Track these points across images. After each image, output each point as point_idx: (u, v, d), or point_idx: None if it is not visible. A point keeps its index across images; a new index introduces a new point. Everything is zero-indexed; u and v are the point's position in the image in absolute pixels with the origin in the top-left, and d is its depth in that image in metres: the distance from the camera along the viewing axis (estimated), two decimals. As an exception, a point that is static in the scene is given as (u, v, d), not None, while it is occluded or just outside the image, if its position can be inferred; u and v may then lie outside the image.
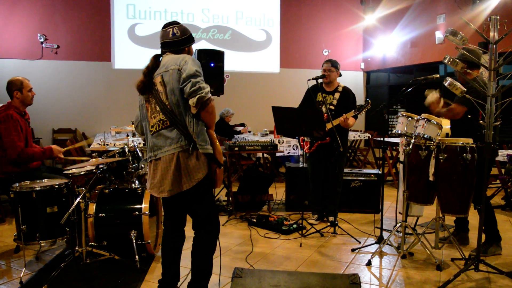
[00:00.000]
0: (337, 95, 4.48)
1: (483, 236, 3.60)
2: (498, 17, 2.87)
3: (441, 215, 3.61)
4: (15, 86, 3.80)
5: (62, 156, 4.01)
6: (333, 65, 4.50)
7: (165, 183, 2.47)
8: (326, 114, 4.20)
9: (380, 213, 3.98)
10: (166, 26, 2.60)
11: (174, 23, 2.60)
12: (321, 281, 2.73)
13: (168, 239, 2.69)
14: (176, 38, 2.56)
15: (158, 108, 2.48)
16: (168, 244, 2.68)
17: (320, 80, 4.30)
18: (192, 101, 2.38)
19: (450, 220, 4.62)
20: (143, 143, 5.62)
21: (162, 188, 2.49)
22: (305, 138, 4.58)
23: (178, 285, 2.73)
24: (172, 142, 2.45)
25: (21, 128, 3.75)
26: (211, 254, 2.63)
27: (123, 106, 8.14)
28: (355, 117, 4.33)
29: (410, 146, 3.51)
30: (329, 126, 4.14)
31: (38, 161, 3.90)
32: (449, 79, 3.14)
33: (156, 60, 2.57)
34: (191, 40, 2.63)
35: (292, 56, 9.98)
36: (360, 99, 10.55)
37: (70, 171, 3.62)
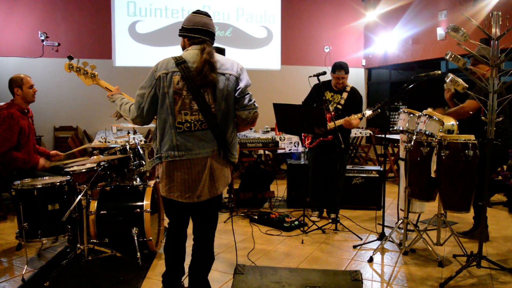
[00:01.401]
0: (345, 95, 4.47)
1: (492, 236, 3.61)
2: (500, 13, 2.85)
3: (443, 212, 3.60)
4: (15, 83, 3.79)
5: (47, 167, 3.88)
6: (346, 72, 4.42)
7: (195, 188, 2.36)
8: (329, 114, 4.18)
9: (381, 209, 3.98)
10: (206, 14, 2.46)
11: (210, 15, 2.49)
12: (322, 277, 2.72)
13: (173, 238, 2.61)
14: (215, 32, 2.49)
15: (196, 107, 2.31)
16: (173, 243, 2.60)
17: (326, 77, 4.26)
18: (245, 115, 2.36)
19: (452, 216, 4.62)
20: (144, 140, 5.62)
21: (190, 194, 2.37)
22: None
23: (182, 280, 2.69)
24: (205, 146, 2.34)
25: (21, 128, 3.72)
26: (211, 262, 2.62)
27: (124, 104, 8.13)
28: (361, 118, 4.32)
29: (412, 143, 3.50)
30: (331, 125, 4.12)
31: (18, 166, 3.69)
32: (450, 76, 3.14)
33: (213, 54, 2.35)
34: None
35: (293, 53, 9.96)
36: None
37: (72, 169, 3.62)
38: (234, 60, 2.45)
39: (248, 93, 2.39)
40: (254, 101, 2.41)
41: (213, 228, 2.61)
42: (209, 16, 2.48)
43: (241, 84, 2.37)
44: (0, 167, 3.71)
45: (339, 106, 4.42)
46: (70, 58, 2.97)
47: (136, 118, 2.44)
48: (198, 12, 2.47)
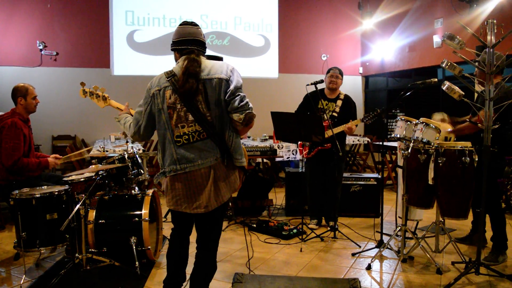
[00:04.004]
0: (339, 102, 4.50)
1: (491, 243, 3.61)
2: (495, 21, 2.89)
3: (441, 219, 3.61)
4: (20, 93, 3.80)
5: (59, 163, 3.99)
6: (340, 73, 4.56)
7: (201, 199, 2.34)
8: (327, 121, 4.20)
9: (380, 217, 3.99)
10: (191, 24, 2.45)
11: (196, 24, 2.47)
12: (321, 285, 2.73)
13: (176, 243, 2.60)
14: (205, 40, 2.47)
15: (191, 118, 2.30)
16: (176, 248, 2.59)
17: (319, 86, 4.28)
18: (238, 117, 2.28)
19: (450, 223, 4.62)
20: (142, 149, 5.63)
21: (198, 204, 2.34)
22: (305, 143, 4.57)
23: (183, 286, 2.66)
24: (207, 155, 2.32)
25: (24, 136, 3.73)
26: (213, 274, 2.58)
27: (122, 112, 8.14)
28: (357, 125, 4.37)
29: (409, 150, 3.51)
30: (329, 133, 4.14)
31: (33, 172, 3.78)
32: (447, 83, 3.16)
33: (196, 61, 2.33)
34: None
35: (291, 61, 10.01)
36: (359, 103, 10.56)
37: (70, 178, 3.62)
38: (225, 62, 2.42)
39: (239, 94, 2.30)
40: (247, 102, 2.31)
41: (217, 237, 2.58)
42: (196, 25, 2.46)
43: (231, 86, 2.30)
44: (10, 175, 3.71)
45: (335, 114, 4.45)
46: (82, 84, 3.16)
47: (134, 134, 2.53)
48: (184, 23, 2.46)
